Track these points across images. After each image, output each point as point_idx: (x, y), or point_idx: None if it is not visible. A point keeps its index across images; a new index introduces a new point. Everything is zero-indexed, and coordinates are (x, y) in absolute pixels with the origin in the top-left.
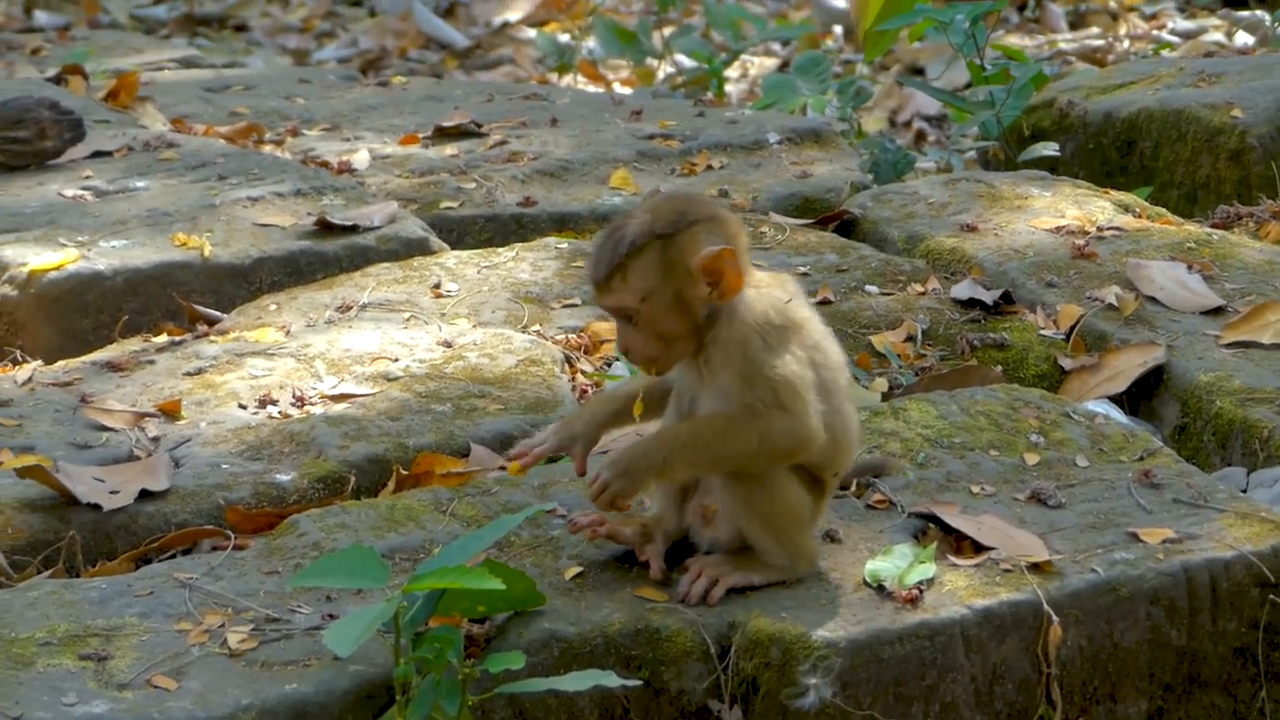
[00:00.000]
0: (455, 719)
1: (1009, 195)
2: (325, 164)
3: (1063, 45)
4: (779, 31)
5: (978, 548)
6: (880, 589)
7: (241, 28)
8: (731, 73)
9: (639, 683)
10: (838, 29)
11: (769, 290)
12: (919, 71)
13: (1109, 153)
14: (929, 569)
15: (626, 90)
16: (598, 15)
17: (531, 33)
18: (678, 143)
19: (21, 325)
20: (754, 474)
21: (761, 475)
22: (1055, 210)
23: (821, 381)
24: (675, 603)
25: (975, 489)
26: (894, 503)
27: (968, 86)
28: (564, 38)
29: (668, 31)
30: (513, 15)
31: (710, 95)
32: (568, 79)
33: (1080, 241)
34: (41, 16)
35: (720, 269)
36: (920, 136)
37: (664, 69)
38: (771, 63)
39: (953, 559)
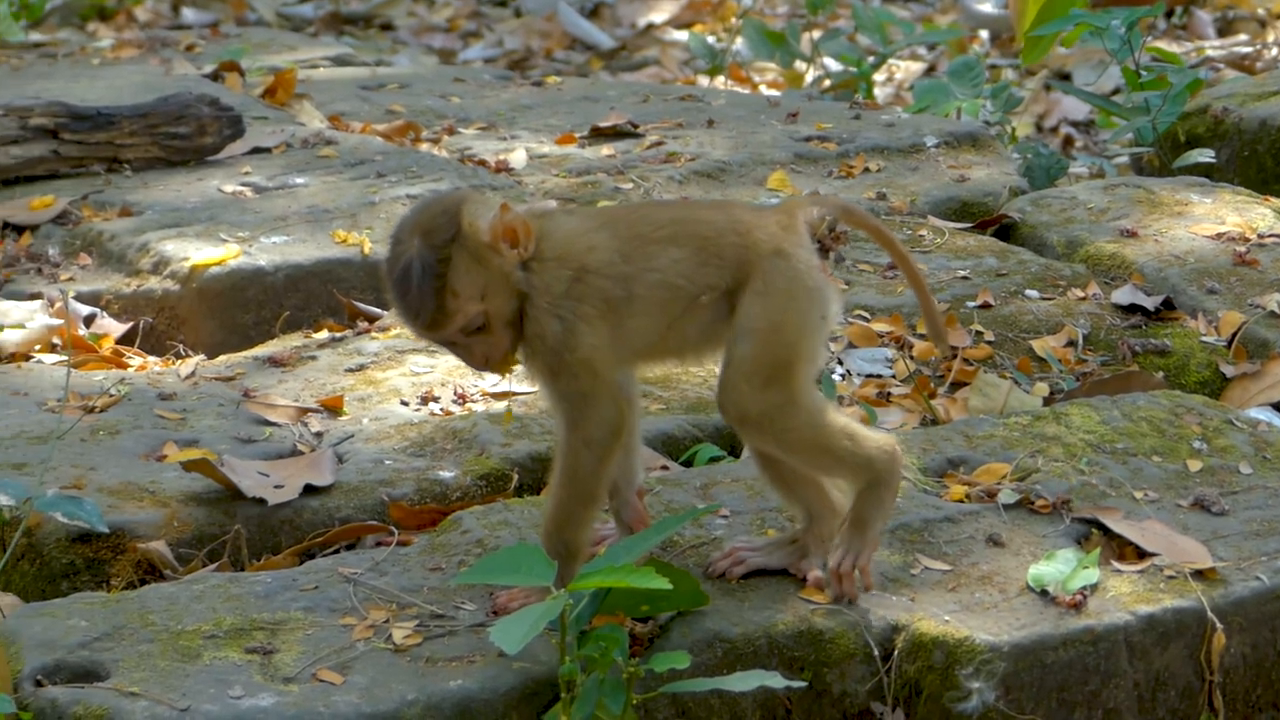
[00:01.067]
0: (619, 717)
1: (1168, 201)
2: (483, 162)
3: (1210, 52)
4: (927, 36)
5: (1141, 554)
6: (1044, 594)
7: (387, 26)
8: (879, 76)
9: (804, 684)
10: (984, 34)
11: (551, 226)
12: (1066, 77)
13: (1264, 160)
14: (1093, 574)
15: (775, 93)
16: (747, 18)
17: (677, 34)
18: (835, 145)
19: (183, 320)
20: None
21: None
22: (1215, 217)
23: (622, 275)
24: (836, 604)
25: (1138, 495)
26: (1057, 508)
27: (1115, 92)
28: (711, 40)
29: (816, 35)
30: (658, 16)
31: (861, 98)
32: (718, 81)
33: (1241, 248)
34: (189, 14)
35: (511, 225)
36: (1068, 142)
37: (812, 72)
38: (917, 67)
39: (1116, 564)
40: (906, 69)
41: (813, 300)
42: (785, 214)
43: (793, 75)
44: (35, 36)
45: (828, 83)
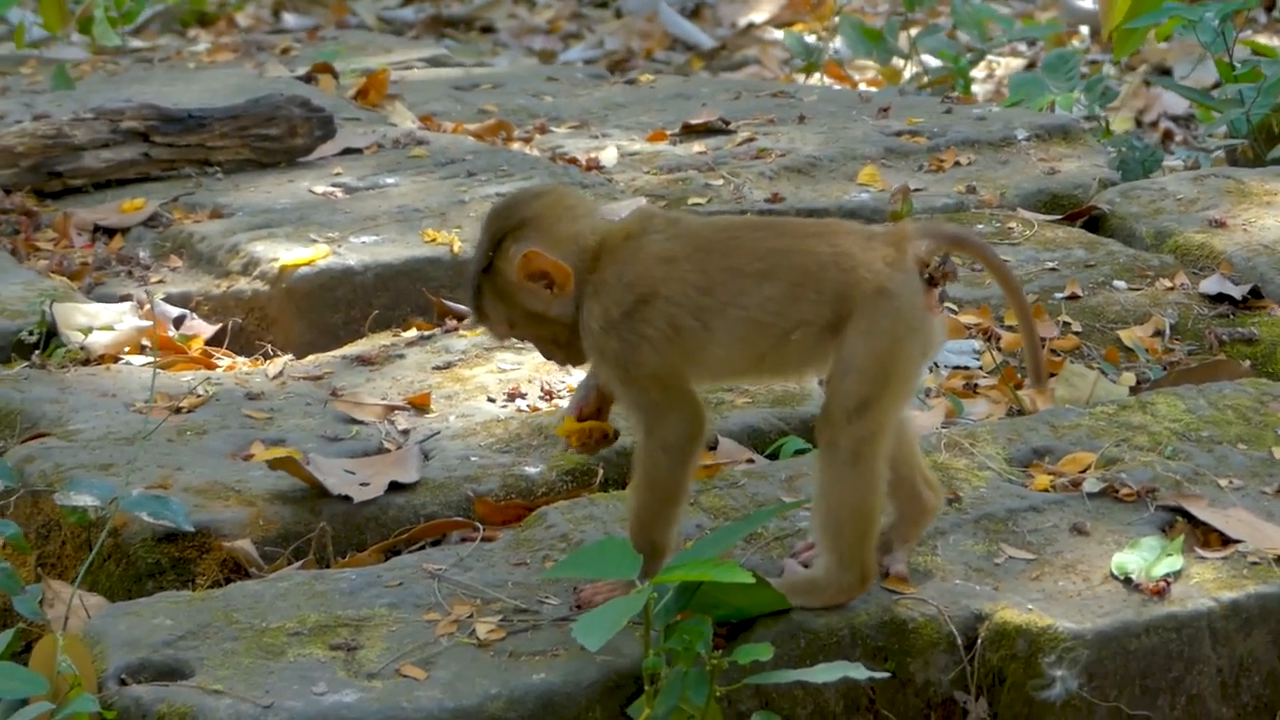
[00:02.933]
0: (703, 709)
1: (1258, 191)
2: (574, 161)
3: None
4: (1026, 31)
5: (1225, 540)
6: (1127, 581)
7: (488, 29)
8: (979, 72)
9: (886, 674)
10: (1084, 29)
11: (628, 248)
12: (1166, 71)
13: None
14: (1176, 561)
15: (869, 89)
16: (844, 15)
17: (777, 33)
18: (925, 140)
19: (273, 320)
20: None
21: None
22: None
23: (699, 308)
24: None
25: (1223, 482)
26: (1142, 496)
27: (1215, 87)
28: (810, 38)
29: (915, 32)
30: (758, 16)
31: (957, 94)
32: (815, 79)
33: None
34: (289, 19)
35: (540, 270)
36: (1167, 136)
37: (910, 69)
38: (1018, 63)
39: (1200, 551)
40: (1007, 65)
41: (915, 340)
42: (893, 247)
43: (891, 72)
44: (136, 43)
45: (926, 79)
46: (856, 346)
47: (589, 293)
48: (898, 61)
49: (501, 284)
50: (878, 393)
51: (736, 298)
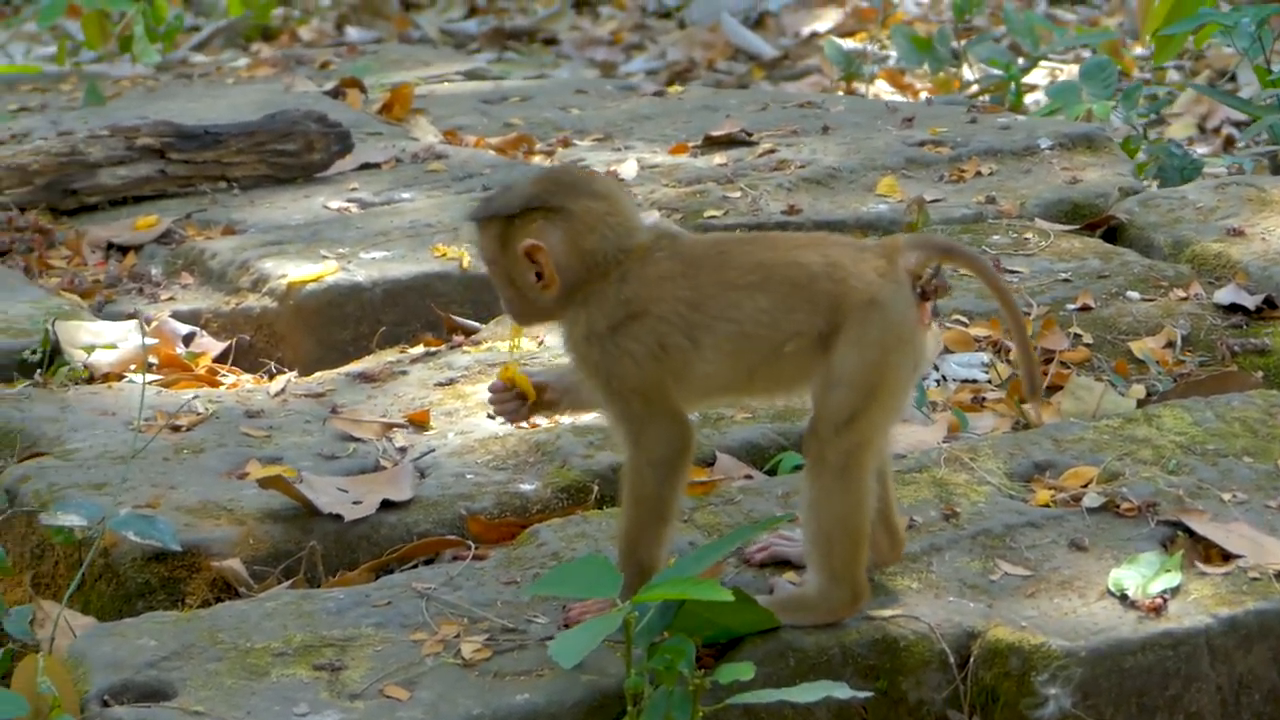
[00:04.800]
0: None
1: (1279, 199)
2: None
3: None
4: (1079, 39)
5: (1226, 556)
6: (1123, 597)
7: (551, 41)
8: (1040, 80)
9: (870, 694)
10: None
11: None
12: (1233, 76)
13: None
14: (1174, 577)
15: (896, 98)
16: (897, 25)
17: (840, 43)
18: (948, 149)
19: (281, 337)
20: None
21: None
22: None
23: (688, 324)
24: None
25: (1227, 496)
26: (1143, 511)
27: None
28: (872, 47)
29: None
30: (822, 25)
31: (989, 101)
32: (872, 88)
33: None
34: (353, 32)
35: (539, 261)
36: (1229, 142)
37: (969, 74)
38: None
39: (1201, 567)
40: (1069, 73)
41: (905, 352)
42: (884, 258)
43: (943, 81)
44: (199, 58)
45: (975, 87)
46: (846, 357)
47: (579, 300)
48: (951, 69)
49: (506, 235)
50: (866, 405)
51: (727, 311)
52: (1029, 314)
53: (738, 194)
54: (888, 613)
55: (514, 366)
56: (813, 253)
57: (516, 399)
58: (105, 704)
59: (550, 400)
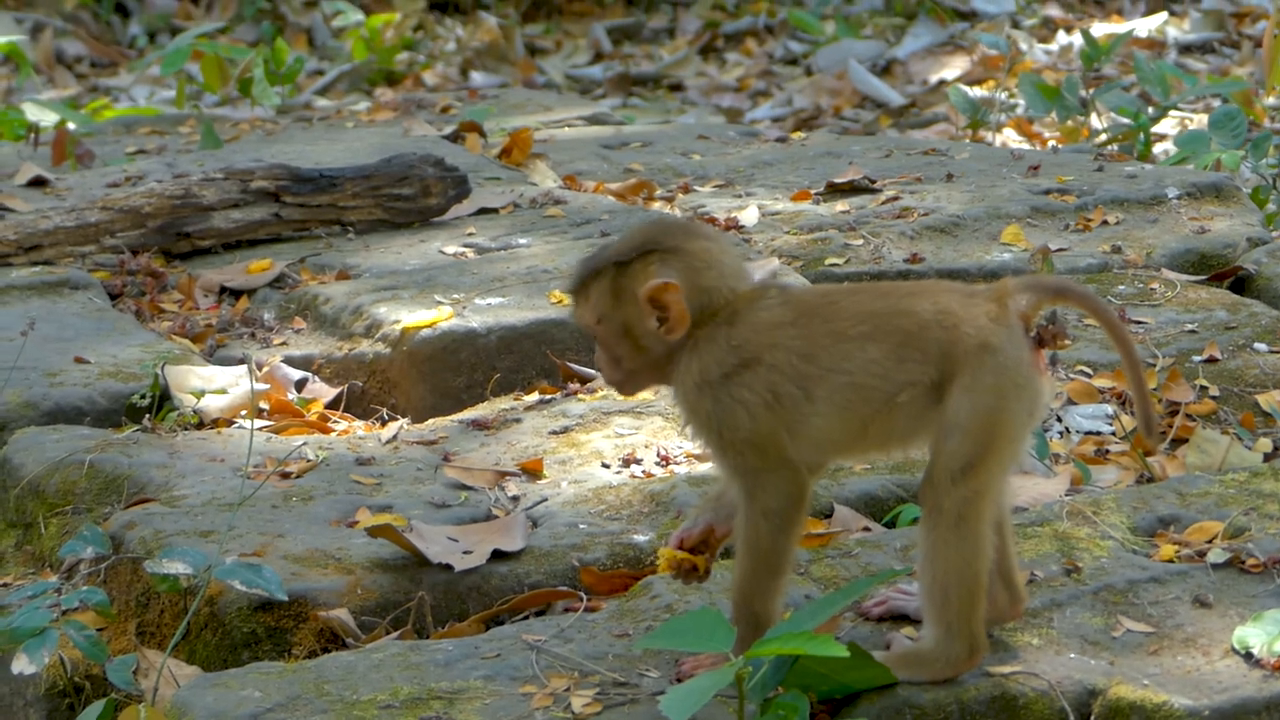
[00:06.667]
0: None
1: None
2: (713, 220)
3: None
4: (1210, 88)
5: None
6: (1248, 656)
7: (677, 87)
8: (1169, 129)
9: None
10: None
11: (742, 312)
12: None
13: None
14: None
15: (1023, 146)
16: (1025, 73)
17: (968, 90)
18: (1074, 198)
19: (394, 383)
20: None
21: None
22: None
23: (801, 375)
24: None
25: None
26: (1269, 567)
27: None
28: (1000, 94)
29: (1101, 88)
30: (949, 73)
31: (1117, 150)
32: (1000, 136)
33: None
34: (477, 77)
35: (665, 302)
36: None
37: (1095, 124)
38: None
39: None
40: (1199, 122)
41: (1020, 398)
42: (995, 302)
43: (1069, 129)
44: (322, 102)
45: (1103, 136)
46: (960, 405)
47: (689, 346)
48: (1079, 118)
49: (621, 286)
50: (982, 453)
51: (840, 362)
52: (1153, 365)
53: (860, 242)
54: (1007, 669)
55: (666, 552)
56: (923, 300)
57: (689, 573)
58: None
59: (720, 534)
